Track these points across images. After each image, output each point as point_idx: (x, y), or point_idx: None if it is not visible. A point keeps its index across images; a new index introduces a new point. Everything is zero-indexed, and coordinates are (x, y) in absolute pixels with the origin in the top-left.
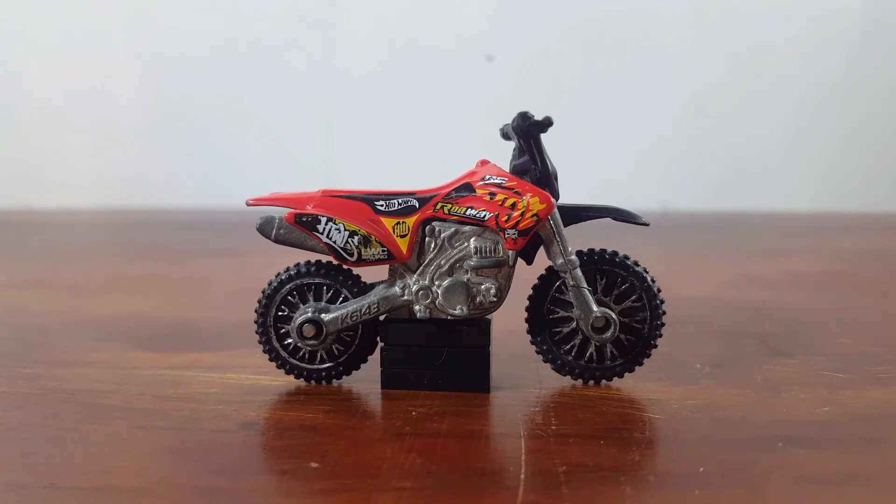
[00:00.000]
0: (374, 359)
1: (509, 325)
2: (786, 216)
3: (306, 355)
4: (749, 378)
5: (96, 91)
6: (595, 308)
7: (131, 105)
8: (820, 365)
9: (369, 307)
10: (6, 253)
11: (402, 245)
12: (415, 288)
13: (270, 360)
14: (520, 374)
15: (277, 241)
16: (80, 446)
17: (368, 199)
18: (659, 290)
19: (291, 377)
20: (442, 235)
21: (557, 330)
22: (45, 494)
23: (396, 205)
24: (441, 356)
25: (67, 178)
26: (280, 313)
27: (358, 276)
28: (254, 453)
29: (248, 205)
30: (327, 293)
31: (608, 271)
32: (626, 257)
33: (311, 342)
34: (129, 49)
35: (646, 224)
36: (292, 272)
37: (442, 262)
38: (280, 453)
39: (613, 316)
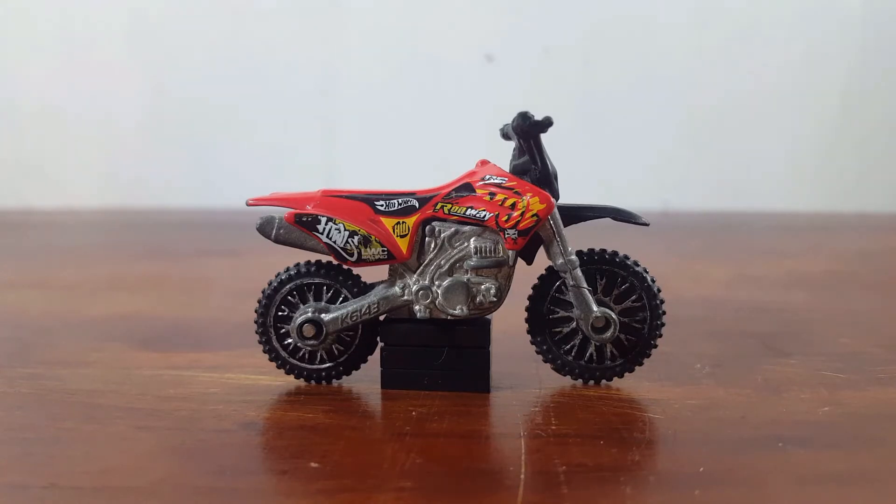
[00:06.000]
0: (374, 359)
1: (509, 325)
2: (786, 216)
3: (306, 355)
4: (749, 378)
5: (97, 91)
6: (595, 308)
7: (132, 105)
8: (820, 365)
9: (369, 307)
10: (6, 253)
11: (402, 245)
12: (415, 288)
13: (270, 360)
14: (520, 374)
15: (277, 241)
16: (80, 446)
17: (368, 199)
18: (659, 290)
19: (291, 377)
20: (442, 235)
21: (557, 330)
22: (45, 494)
23: (396, 205)
24: (441, 356)
25: (67, 178)
26: (280, 313)
27: (358, 276)
28: (254, 453)
29: (248, 205)
30: (327, 293)
31: (608, 271)
32: (626, 257)
33: (311, 342)
34: (130, 50)
35: (646, 224)
36: (292, 272)
37: (442, 262)
38: (280, 453)
39: (613, 316)
